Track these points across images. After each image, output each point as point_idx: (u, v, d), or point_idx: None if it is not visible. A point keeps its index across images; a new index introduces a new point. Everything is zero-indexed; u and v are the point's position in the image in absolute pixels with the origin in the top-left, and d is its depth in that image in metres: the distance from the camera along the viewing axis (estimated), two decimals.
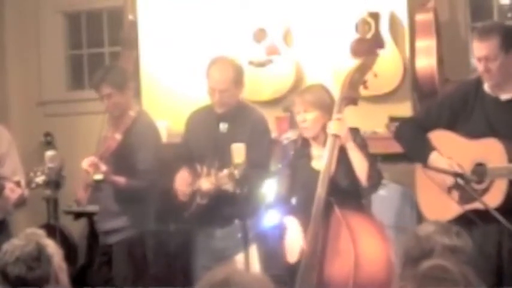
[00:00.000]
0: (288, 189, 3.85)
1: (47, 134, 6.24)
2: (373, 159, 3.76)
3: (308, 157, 3.83)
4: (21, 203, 4.14)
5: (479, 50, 3.60)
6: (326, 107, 3.75)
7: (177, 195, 4.12)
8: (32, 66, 6.50)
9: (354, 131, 3.76)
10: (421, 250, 2.37)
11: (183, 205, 4.12)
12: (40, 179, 3.86)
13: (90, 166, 4.17)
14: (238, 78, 4.08)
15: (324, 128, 3.74)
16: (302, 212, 3.73)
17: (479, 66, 3.63)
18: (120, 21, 5.90)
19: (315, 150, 3.82)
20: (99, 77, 4.38)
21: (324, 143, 3.75)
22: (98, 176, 4.16)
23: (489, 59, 3.57)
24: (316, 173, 3.73)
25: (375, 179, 3.72)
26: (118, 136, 4.32)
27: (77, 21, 6.55)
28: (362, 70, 3.87)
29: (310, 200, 3.66)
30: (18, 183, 3.93)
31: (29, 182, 3.90)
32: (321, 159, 3.73)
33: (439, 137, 3.76)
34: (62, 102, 6.38)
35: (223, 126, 4.07)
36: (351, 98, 3.79)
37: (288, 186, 3.85)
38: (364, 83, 3.84)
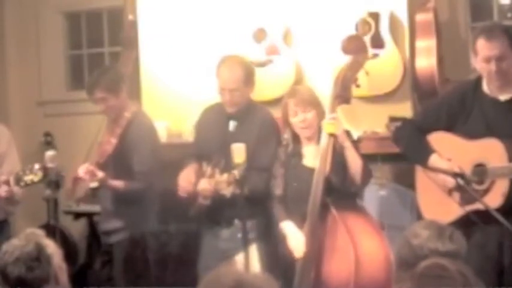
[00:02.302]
0: (283, 189, 3.85)
1: (47, 134, 6.23)
2: (364, 158, 3.78)
3: (299, 155, 3.84)
4: (12, 201, 4.15)
5: (489, 50, 3.56)
6: (320, 106, 3.82)
7: (178, 190, 4.11)
8: (32, 66, 6.50)
9: (346, 131, 3.78)
10: (414, 257, 2.36)
11: (185, 205, 4.11)
12: (29, 177, 3.86)
13: (86, 173, 4.16)
14: (248, 77, 4.07)
15: (318, 124, 3.77)
16: (296, 210, 3.74)
17: (486, 66, 3.59)
18: (120, 21, 5.89)
19: (306, 148, 3.84)
20: (92, 81, 4.38)
21: (317, 141, 3.76)
22: (94, 184, 4.16)
23: (501, 58, 3.55)
24: (308, 170, 3.76)
25: (368, 177, 3.77)
26: (113, 140, 4.32)
27: (77, 21, 6.55)
28: (353, 68, 3.88)
29: (303, 198, 3.67)
30: (7, 182, 3.95)
31: (17, 180, 3.90)
32: (313, 157, 3.77)
33: (438, 139, 3.76)
34: (62, 102, 6.38)
35: (232, 125, 4.06)
36: (344, 97, 3.79)
37: (283, 187, 3.85)
38: (355, 81, 3.84)
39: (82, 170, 4.17)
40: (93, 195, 4.28)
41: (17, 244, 2.58)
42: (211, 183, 3.87)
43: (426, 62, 4.79)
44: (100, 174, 4.16)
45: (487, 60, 3.58)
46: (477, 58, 3.65)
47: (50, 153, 3.93)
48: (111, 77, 4.37)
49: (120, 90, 4.35)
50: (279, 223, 3.82)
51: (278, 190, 3.87)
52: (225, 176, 3.70)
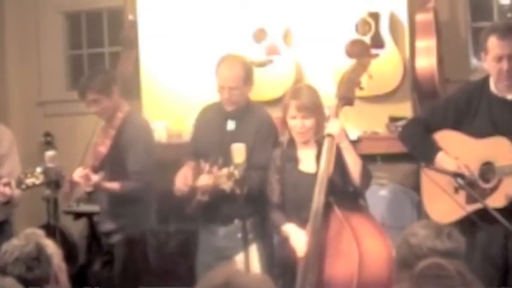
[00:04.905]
0: (280, 195, 3.85)
1: (47, 134, 6.24)
2: (363, 158, 3.77)
3: (295, 160, 3.82)
4: (12, 204, 4.16)
5: (503, 48, 3.55)
6: (321, 112, 3.79)
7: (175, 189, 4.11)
8: (32, 66, 6.49)
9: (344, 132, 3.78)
10: (413, 256, 2.36)
11: (184, 201, 4.11)
12: (30, 180, 3.86)
13: (80, 178, 4.16)
14: (247, 76, 4.07)
15: (315, 132, 3.76)
16: (294, 215, 3.74)
17: (497, 65, 3.58)
18: (120, 21, 5.90)
19: (302, 153, 3.83)
20: (84, 84, 4.38)
21: (314, 146, 3.76)
22: (88, 188, 4.16)
23: None
24: (304, 175, 3.76)
25: (367, 178, 3.75)
26: (108, 141, 4.32)
27: (77, 21, 6.55)
28: (358, 71, 3.88)
29: (300, 203, 3.68)
30: (8, 184, 3.95)
31: (19, 184, 3.91)
32: (310, 162, 3.76)
33: (445, 137, 3.76)
34: (62, 102, 6.37)
35: (230, 124, 4.07)
36: (348, 99, 3.80)
37: (279, 192, 3.84)
38: (359, 84, 3.85)
39: (77, 174, 4.17)
40: (88, 198, 4.29)
41: (17, 244, 2.58)
42: (211, 178, 3.86)
43: (426, 62, 4.80)
44: (95, 178, 4.16)
45: (499, 59, 3.58)
46: (487, 57, 3.64)
47: (50, 153, 3.92)
48: (102, 79, 4.37)
49: (112, 91, 4.36)
50: (279, 228, 3.80)
51: (274, 197, 3.85)
52: (225, 170, 3.69)
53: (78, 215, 5.94)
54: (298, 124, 3.75)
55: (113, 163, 4.32)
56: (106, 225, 4.46)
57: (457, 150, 3.69)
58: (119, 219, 4.35)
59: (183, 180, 4.06)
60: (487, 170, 3.59)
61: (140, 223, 4.35)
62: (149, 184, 4.32)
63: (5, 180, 4.00)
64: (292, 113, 3.76)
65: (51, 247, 2.61)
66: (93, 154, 4.41)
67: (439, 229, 2.49)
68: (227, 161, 3.76)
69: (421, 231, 2.48)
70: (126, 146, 4.31)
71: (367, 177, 3.74)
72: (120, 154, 4.30)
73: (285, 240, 3.75)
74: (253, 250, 3.99)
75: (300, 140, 3.81)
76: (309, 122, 3.75)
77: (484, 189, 3.57)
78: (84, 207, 5.74)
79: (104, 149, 4.33)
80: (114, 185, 4.25)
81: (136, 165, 4.27)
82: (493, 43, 3.59)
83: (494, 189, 3.57)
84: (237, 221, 3.97)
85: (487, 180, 3.59)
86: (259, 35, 5.13)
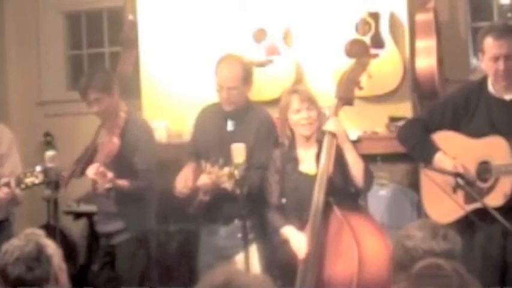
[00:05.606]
0: (279, 196, 3.84)
1: (47, 134, 6.24)
2: (363, 159, 3.77)
3: (295, 161, 3.82)
4: (14, 202, 4.16)
5: (500, 48, 3.57)
6: (320, 110, 3.81)
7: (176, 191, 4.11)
8: (32, 66, 6.50)
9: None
10: (410, 259, 2.36)
11: (184, 201, 4.11)
12: (29, 180, 3.86)
13: (96, 174, 4.15)
14: (246, 76, 4.08)
15: (317, 127, 3.76)
16: (294, 217, 3.74)
17: (494, 65, 3.59)
18: (120, 21, 5.90)
19: (302, 153, 3.83)
20: (85, 83, 4.36)
21: (315, 144, 3.76)
22: (108, 185, 4.15)
23: (509, 56, 3.56)
24: (304, 176, 3.76)
25: (370, 179, 3.75)
26: (116, 140, 4.30)
27: (77, 21, 6.55)
28: (357, 71, 3.89)
29: (301, 204, 3.68)
30: (7, 184, 3.95)
31: (18, 183, 3.91)
32: (310, 162, 3.77)
33: (443, 138, 3.77)
34: (61, 102, 6.38)
35: (230, 125, 4.08)
36: (347, 98, 3.81)
37: (279, 194, 3.84)
38: (358, 83, 3.85)
39: (92, 171, 4.15)
40: (107, 196, 4.27)
41: (17, 244, 2.58)
42: (212, 177, 3.86)
43: (426, 62, 4.80)
44: (110, 174, 4.15)
45: (495, 59, 3.59)
46: (484, 57, 3.64)
47: (50, 153, 3.92)
48: (103, 77, 4.37)
49: (113, 90, 4.35)
50: (278, 229, 3.80)
51: (273, 198, 3.85)
52: (226, 169, 3.69)
53: (78, 215, 5.95)
54: (304, 115, 3.75)
55: (117, 161, 4.32)
56: (108, 226, 4.44)
57: (455, 150, 3.70)
58: (123, 219, 4.34)
59: (183, 182, 4.06)
60: (484, 169, 3.60)
61: (142, 223, 4.35)
62: (153, 183, 4.32)
63: (4, 179, 4.01)
64: (296, 106, 3.76)
65: (51, 247, 2.61)
66: (102, 152, 4.38)
67: (435, 230, 2.48)
68: (227, 161, 3.76)
69: (417, 234, 2.47)
70: (131, 145, 4.30)
71: (369, 178, 3.74)
72: (126, 153, 4.29)
73: (284, 241, 3.75)
74: (253, 250, 3.99)
75: (306, 133, 3.80)
76: (314, 113, 3.76)
77: (481, 188, 3.59)
78: (84, 207, 5.74)
79: (114, 147, 4.31)
80: (124, 183, 4.25)
81: (144, 163, 4.27)
82: (490, 43, 3.60)
83: (491, 188, 3.58)
84: (237, 221, 3.97)
85: (484, 180, 3.60)
86: (259, 35, 5.12)
